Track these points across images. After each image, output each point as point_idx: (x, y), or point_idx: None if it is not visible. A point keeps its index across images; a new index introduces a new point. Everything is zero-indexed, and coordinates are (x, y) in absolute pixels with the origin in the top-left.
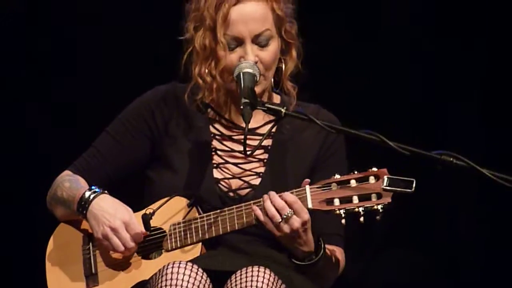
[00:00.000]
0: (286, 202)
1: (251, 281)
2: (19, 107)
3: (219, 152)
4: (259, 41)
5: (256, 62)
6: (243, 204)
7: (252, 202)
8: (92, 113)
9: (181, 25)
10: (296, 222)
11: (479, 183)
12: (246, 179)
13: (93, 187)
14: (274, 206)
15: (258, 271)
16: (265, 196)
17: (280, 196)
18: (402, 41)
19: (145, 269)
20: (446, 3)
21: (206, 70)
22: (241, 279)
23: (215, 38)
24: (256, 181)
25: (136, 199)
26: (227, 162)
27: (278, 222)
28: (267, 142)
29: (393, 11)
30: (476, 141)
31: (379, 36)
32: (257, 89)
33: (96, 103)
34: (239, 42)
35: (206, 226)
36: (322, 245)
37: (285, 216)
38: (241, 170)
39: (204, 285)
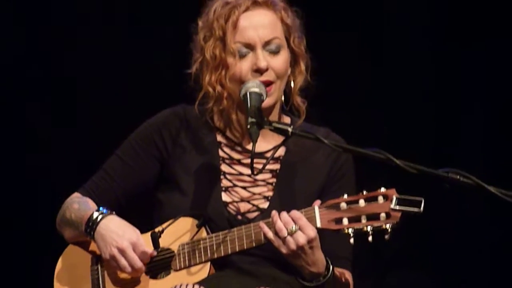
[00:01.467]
0: (292, 218)
1: None
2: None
3: (227, 176)
4: (269, 47)
5: (267, 69)
6: (251, 224)
7: (261, 221)
8: (101, 144)
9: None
10: (301, 238)
11: (487, 202)
12: (254, 202)
13: (100, 208)
14: (281, 219)
15: None
16: (273, 211)
17: (287, 212)
18: (404, 59)
19: None
20: (445, 17)
21: (217, 79)
22: None
23: (225, 47)
24: (265, 204)
25: (145, 221)
26: (235, 185)
27: (284, 237)
28: (275, 166)
29: (395, 28)
30: (481, 157)
31: (383, 55)
32: (270, 100)
33: (104, 129)
34: (250, 48)
35: (214, 246)
36: (331, 267)
37: (290, 231)
38: (250, 194)
39: None
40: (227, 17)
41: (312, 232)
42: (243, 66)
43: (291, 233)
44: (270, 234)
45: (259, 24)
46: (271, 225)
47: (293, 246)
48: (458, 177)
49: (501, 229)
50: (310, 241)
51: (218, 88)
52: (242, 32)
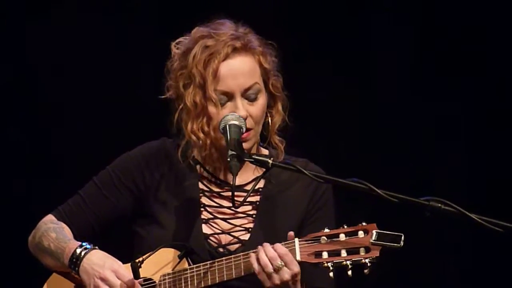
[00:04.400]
0: (277, 253)
1: None
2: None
3: (207, 208)
4: (248, 95)
5: (245, 118)
6: (232, 256)
7: (241, 254)
8: (78, 165)
9: (163, 83)
10: (286, 274)
11: (467, 230)
12: (235, 234)
13: (83, 243)
14: (267, 255)
15: None
16: (259, 247)
17: (272, 247)
18: (387, 88)
19: None
20: (430, 45)
21: (199, 127)
22: None
23: (205, 95)
24: (246, 236)
25: (126, 254)
26: (216, 217)
27: (270, 272)
28: (255, 198)
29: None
30: (462, 184)
31: (363, 84)
32: (247, 145)
33: (82, 155)
34: (229, 97)
35: (195, 277)
36: None
37: (276, 267)
38: (231, 226)
39: None
40: (207, 65)
41: (296, 268)
42: (224, 115)
43: (277, 269)
44: (256, 266)
45: (239, 72)
46: (257, 259)
47: (277, 281)
48: (439, 205)
49: (482, 255)
50: (294, 276)
51: (201, 135)
52: (222, 81)
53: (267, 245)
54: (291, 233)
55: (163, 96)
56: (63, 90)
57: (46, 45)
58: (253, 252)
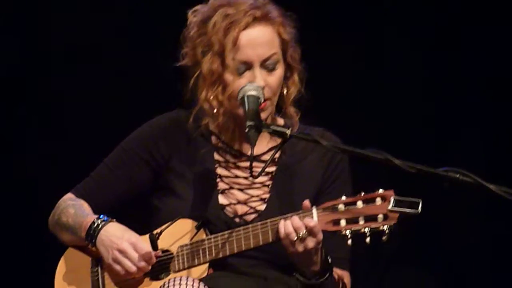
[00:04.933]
0: (305, 226)
1: None
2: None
3: (224, 179)
4: (266, 65)
5: (263, 88)
6: (250, 226)
7: (259, 223)
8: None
9: (180, 51)
10: (311, 242)
11: (486, 199)
12: (252, 204)
13: (101, 216)
14: (293, 225)
15: None
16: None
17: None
18: (403, 61)
19: None
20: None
21: (213, 95)
22: None
23: (223, 63)
24: (262, 206)
25: (143, 227)
26: (232, 188)
27: (294, 240)
28: (271, 168)
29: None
30: (478, 156)
31: (380, 58)
32: (263, 115)
33: (96, 130)
34: (247, 66)
35: (213, 248)
36: (330, 266)
37: (301, 236)
38: (247, 196)
39: None
40: (227, 33)
41: (321, 236)
42: (241, 84)
43: (301, 238)
44: (280, 233)
45: (258, 43)
46: (281, 228)
47: (301, 249)
48: (457, 175)
49: (501, 226)
50: (317, 244)
51: (214, 104)
52: (241, 50)
53: (294, 217)
54: (307, 201)
55: (178, 64)
56: (76, 56)
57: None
58: (270, 221)
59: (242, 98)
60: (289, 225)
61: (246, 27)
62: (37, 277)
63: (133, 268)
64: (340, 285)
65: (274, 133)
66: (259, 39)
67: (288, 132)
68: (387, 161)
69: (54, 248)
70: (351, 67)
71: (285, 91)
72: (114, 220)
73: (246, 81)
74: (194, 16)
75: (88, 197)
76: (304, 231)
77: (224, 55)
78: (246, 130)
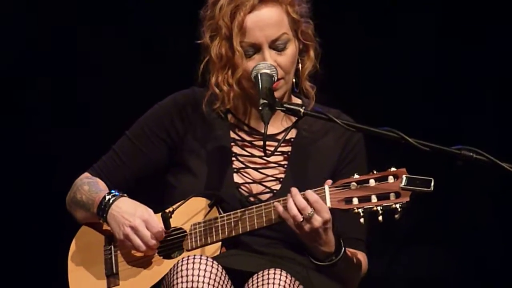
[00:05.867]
0: (307, 201)
1: (268, 284)
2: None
3: (239, 158)
4: (276, 45)
5: (275, 67)
6: (263, 204)
7: (272, 201)
8: (107, 116)
9: (198, 30)
10: (316, 221)
11: (499, 178)
12: (266, 184)
13: (112, 191)
14: (296, 205)
15: (274, 273)
16: (288, 195)
17: (302, 195)
18: (414, 38)
19: (166, 267)
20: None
21: (223, 79)
22: (257, 281)
23: (231, 47)
24: (277, 186)
25: (157, 204)
26: (247, 167)
27: (300, 222)
28: (287, 148)
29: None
30: (491, 136)
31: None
32: (277, 94)
33: (111, 106)
34: (256, 48)
35: (226, 226)
36: (342, 246)
37: (307, 216)
38: (262, 176)
39: (221, 279)
40: (233, 17)
41: (327, 215)
42: (250, 67)
43: (307, 218)
44: (284, 214)
45: (265, 24)
46: (287, 209)
47: (308, 229)
48: (471, 154)
49: None
50: (325, 223)
51: (225, 88)
52: (248, 33)
53: (295, 192)
54: (329, 180)
55: (199, 41)
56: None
57: None
58: (282, 199)
59: (256, 76)
60: (292, 207)
61: (252, 9)
62: (53, 257)
63: (143, 247)
64: (355, 262)
65: (287, 111)
66: (266, 20)
67: (302, 110)
68: (401, 140)
69: (70, 228)
70: (362, 46)
71: (300, 67)
72: (126, 195)
73: (255, 64)
74: None
75: (104, 175)
76: (309, 210)
77: (231, 39)
78: (260, 108)
